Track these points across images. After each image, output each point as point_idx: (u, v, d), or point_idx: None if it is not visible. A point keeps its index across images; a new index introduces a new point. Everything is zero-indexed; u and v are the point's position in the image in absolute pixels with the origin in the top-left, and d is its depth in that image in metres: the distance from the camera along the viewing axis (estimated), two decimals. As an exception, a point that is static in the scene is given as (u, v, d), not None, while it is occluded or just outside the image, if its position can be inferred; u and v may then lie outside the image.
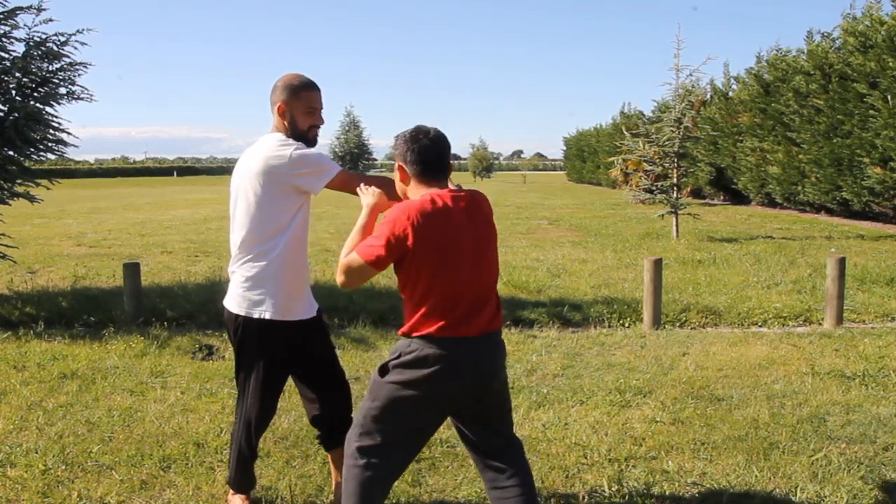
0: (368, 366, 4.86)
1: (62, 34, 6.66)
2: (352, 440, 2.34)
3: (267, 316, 2.70)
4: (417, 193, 2.30)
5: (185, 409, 4.10)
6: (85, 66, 6.86)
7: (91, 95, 6.92)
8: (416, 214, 2.20)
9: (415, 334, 2.23)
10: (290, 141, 2.69)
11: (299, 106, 2.73)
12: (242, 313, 2.72)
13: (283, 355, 2.79)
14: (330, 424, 2.91)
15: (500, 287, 7.13)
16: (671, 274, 7.88)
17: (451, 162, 2.40)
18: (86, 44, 6.79)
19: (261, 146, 2.70)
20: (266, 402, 2.83)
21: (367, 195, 2.54)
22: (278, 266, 2.69)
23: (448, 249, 2.22)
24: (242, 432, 2.85)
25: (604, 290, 7.20)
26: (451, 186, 2.34)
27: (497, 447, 2.38)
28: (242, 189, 2.70)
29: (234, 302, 2.75)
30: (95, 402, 4.21)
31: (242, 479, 2.95)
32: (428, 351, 2.20)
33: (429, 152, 2.29)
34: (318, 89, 2.79)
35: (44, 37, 6.64)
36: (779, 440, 3.56)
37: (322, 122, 2.81)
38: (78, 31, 6.71)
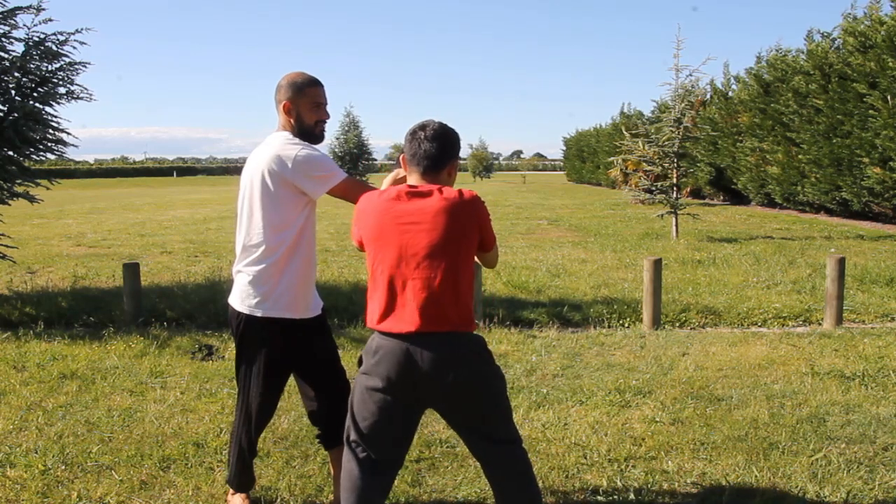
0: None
1: (61, 33, 6.66)
2: (346, 436, 2.36)
3: (270, 314, 2.71)
4: None
5: (185, 409, 4.10)
6: (84, 66, 6.86)
7: (91, 95, 6.92)
8: (364, 206, 2.34)
9: (367, 325, 2.31)
10: (297, 141, 2.70)
11: (305, 102, 2.75)
12: (245, 311, 2.73)
13: (285, 353, 2.80)
14: (329, 423, 2.92)
15: (500, 287, 7.19)
16: (671, 274, 7.88)
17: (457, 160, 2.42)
18: (85, 43, 6.82)
19: (268, 145, 2.72)
20: (266, 400, 2.84)
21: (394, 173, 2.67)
22: (283, 264, 2.70)
23: (389, 245, 2.23)
24: (242, 429, 2.85)
25: (603, 290, 7.20)
26: (439, 186, 2.33)
27: (490, 451, 2.34)
28: (249, 188, 2.72)
29: (238, 299, 2.76)
30: (95, 403, 4.21)
31: (242, 477, 2.96)
32: (375, 341, 2.26)
33: (419, 147, 2.33)
34: (322, 85, 2.81)
35: (43, 36, 6.64)
36: (778, 440, 3.56)
37: (328, 116, 2.82)
38: (77, 30, 6.71)
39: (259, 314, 2.72)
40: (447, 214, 2.23)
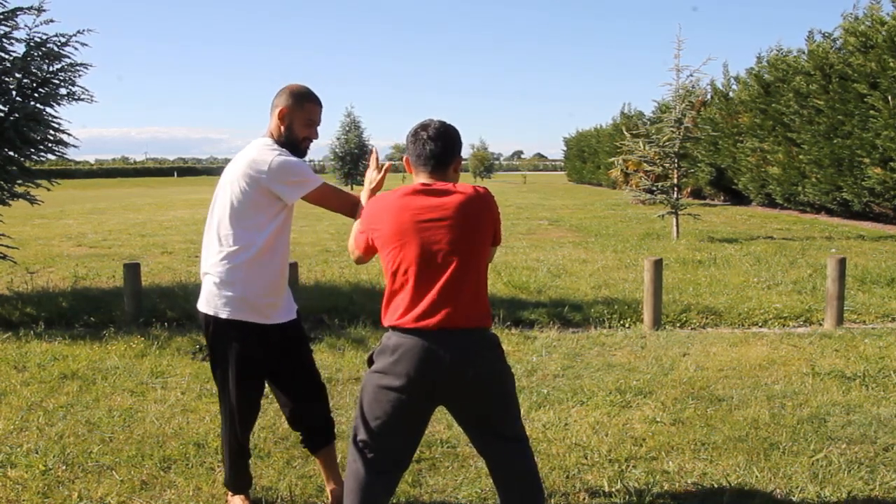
0: (366, 366, 4.87)
1: (63, 35, 6.68)
2: (353, 436, 2.35)
3: (237, 317, 2.70)
4: None
5: (186, 409, 4.10)
6: (85, 67, 6.87)
7: (91, 96, 6.92)
8: (377, 207, 2.33)
9: (385, 324, 2.29)
10: (276, 147, 2.71)
11: (300, 115, 2.76)
12: (212, 313, 2.72)
13: (258, 355, 2.77)
14: (310, 426, 2.92)
15: (500, 287, 7.19)
16: (671, 274, 7.88)
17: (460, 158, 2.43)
18: (86, 44, 6.81)
19: (249, 149, 2.73)
20: (246, 403, 2.83)
21: (370, 179, 2.67)
22: (251, 268, 2.69)
23: (410, 242, 2.23)
24: (230, 433, 2.86)
25: (604, 290, 7.20)
26: (453, 183, 2.35)
27: (498, 448, 2.35)
28: (224, 189, 2.72)
29: (206, 301, 2.75)
30: (96, 403, 4.21)
31: (238, 478, 2.96)
32: (394, 339, 2.24)
33: (423, 146, 2.34)
34: (321, 105, 2.83)
35: (44, 38, 6.65)
36: (779, 441, 3.55)
37: (317, 136, 2.84)
38: (79, 31, 6.73)
39: (224, 316, 2.70)
40: (466, 210, 2.25)
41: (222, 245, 2.71)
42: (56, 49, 6.67)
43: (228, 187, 2.69)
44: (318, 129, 2.85)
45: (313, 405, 2.91)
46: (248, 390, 2.82)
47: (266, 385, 2.94)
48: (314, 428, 2.92)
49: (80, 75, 6.84)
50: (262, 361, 2.81)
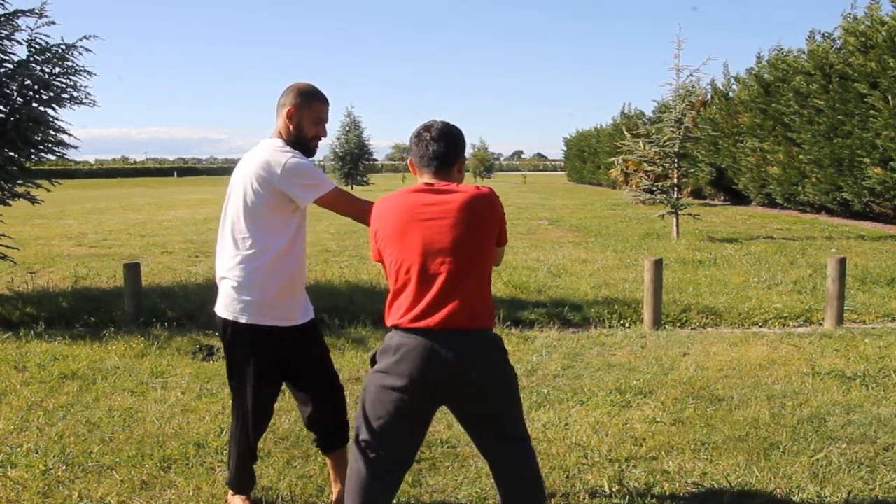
0: (369, 366, 4.87)
1: (69, 44, 6.70)
2: (355, 436, 2.35)
3: (256, 321, 2.70)
4: None
5: (186, 409, 4.10)
6: (88, 72, 6.87)
7: (94, 101, 6.93)
8: (382, 207, 2.34)
9: (388, 323, 2.29)
10: (288, 148, 2.70)
11: (309, 114, 2.76)
12: (230, 318, 2.72)
13: (275, 358, 2.78)
14: (325, 427, 2.92)
15: (501, 287, 7.19)
16: (671, 274, 7.88)
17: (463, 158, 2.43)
18: (90, 51, 6.80)
19: (259, 150, 2.72)
20: (261, 407, 2.83)
21: None
22: (269, 270, 2.68)
23: (412, 242, 2.23)
24: (241, 436, 2.85)
25: (604, 290, 7.20)
26: (456, 183, 2.35)
27: (500, 448, 2.35)
28: (236, 192, 2.71)
29: (224, 306, 2.75)
30: (96, 403, 4.21)
31: (242, 479, 2.96)
32: (396, 339, 2.24)
33: (426, 147, 2.35)
34: (328, 103, 2.83)
35: (47, 41, 6.68)
36: (779, 440, 3.56)
37: (325, 134, 2.84)
38: (84, 37, 6.74)
39: (244, 321, 2.70)
40: (469, 210, 2.24)
41: (239, 248, 2.70)
42: (61, 52, 6.68)
43: (241, 189, 2.68)
44: (326, 127, 2.85)
45: (330, 405, 2.91)
46: (265, 393, 2.82)
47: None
48: (329, 429, 2.92)
49: (85, 86, 6.87)
50: (280, 364, 2.81)
